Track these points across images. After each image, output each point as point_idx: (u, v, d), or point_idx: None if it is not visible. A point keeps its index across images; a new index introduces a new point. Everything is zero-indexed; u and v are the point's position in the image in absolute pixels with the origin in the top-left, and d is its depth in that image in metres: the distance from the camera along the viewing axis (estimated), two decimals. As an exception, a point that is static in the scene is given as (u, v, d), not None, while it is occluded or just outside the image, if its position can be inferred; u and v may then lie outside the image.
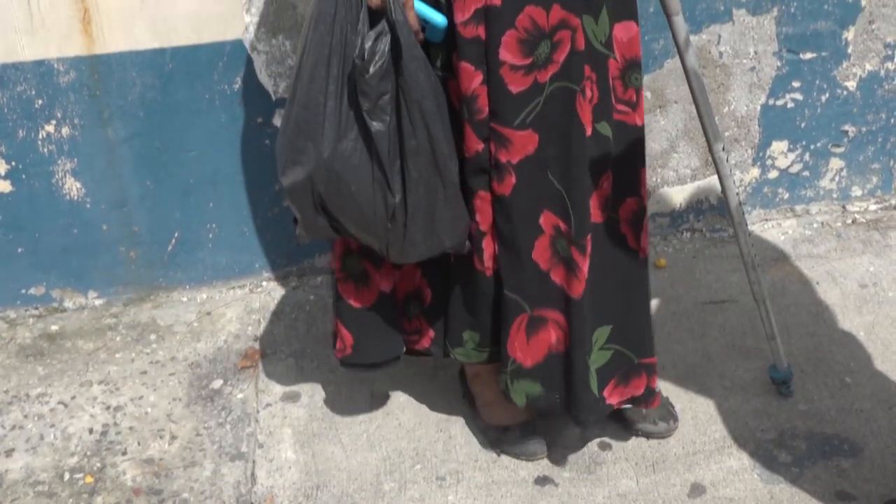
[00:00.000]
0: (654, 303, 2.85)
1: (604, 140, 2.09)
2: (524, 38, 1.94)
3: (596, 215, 2.13)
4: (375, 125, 1.94)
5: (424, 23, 1.95)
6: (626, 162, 2.13)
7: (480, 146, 2.03)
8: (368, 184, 1.99)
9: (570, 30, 1.97)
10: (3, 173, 2.77)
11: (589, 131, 2.04)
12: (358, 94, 1.93)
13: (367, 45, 1.89)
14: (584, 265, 2.11)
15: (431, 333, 2.31)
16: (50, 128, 2.74)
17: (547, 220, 2.09)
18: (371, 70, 1.89)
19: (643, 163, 2.17)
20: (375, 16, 1.92)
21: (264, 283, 3.02)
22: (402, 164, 1.99)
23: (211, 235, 2.94)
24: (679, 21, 2.13)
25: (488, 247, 2.11)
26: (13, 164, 2.77)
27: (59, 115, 2.73)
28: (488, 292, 2.17)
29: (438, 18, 1.94)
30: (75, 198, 2.82)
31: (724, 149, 2.25)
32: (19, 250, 2.87)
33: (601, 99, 2.06)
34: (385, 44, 1.90)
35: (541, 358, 2.19)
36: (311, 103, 1.96)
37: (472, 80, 1.97)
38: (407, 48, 1.90)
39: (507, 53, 1.95)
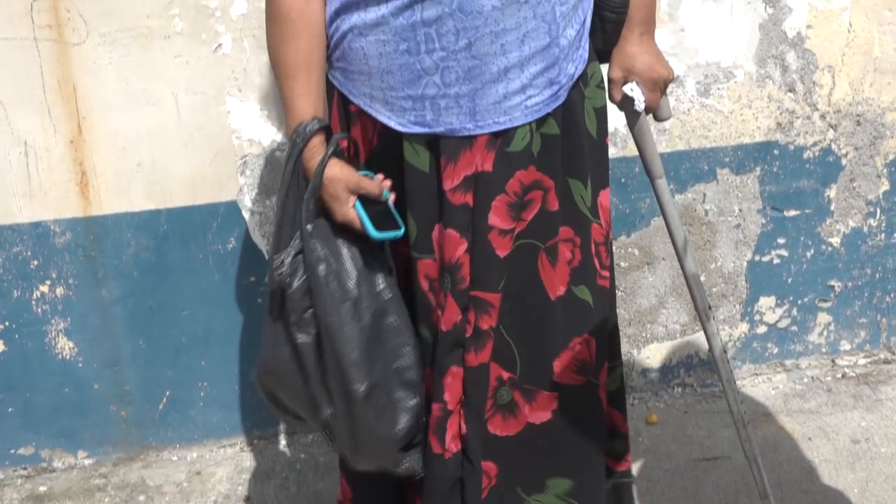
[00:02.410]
0: (645, 460, 2.83)
1: (581, 304, 2.07)
2: (513, 202, 1.97)
3: (569, 376, 2.10)
4: (301, 338, 1.95)
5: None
6: (605, 327, 2.14)
7: (459, 317, 2.01)
8: (304, 393, 1.99)
9: (542, 190, 1.99)
10: (-4, 333, 2.80)
11: (562, 291, 2.05)
12: (287, 306, 1.95)
13: (287, 259, 1.92)
14: (526, 409, 2.07)
15: None
16: (44, 288, 2.77)
17: (493, 371, 2.05)
18: (294, 285, 1.92)
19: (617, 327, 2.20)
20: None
21: (255, 442, 3.01)
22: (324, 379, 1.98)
23: (202, 394, 2.94)
24: (662, 184, 2.18)
25: (453, 426, 2.05)
26: (7, 323, 2.78)
27: (53, 275, 2.76)
28: (448, 476, 2.07)
29: (372, 232, 1.92)
30: (67, 357, 2.83)
31: (710, 307, 2.28)
32: (10, 410, 2.86)
33: (583, 263, 2.06)
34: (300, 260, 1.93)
35: None
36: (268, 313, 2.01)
37: (457, 248, 1.97)
38: (309, 266, 1.92)
39: (497, 218, 1.96)
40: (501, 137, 1.94)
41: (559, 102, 1.96)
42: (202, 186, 2.75)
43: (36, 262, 2.74)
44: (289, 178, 1.95)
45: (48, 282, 2.77)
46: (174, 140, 2.70)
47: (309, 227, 1.94)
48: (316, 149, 1.94)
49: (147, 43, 2.62)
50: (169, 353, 2.88)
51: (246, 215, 2.79)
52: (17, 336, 2.80)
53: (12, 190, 2.67)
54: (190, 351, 2.89)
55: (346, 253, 1.96)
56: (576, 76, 1.98)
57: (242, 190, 2.77)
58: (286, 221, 1.95)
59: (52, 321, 2.80)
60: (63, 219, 2.72)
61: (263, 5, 2.56)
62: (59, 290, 2.77)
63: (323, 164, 1.92)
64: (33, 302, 2.78)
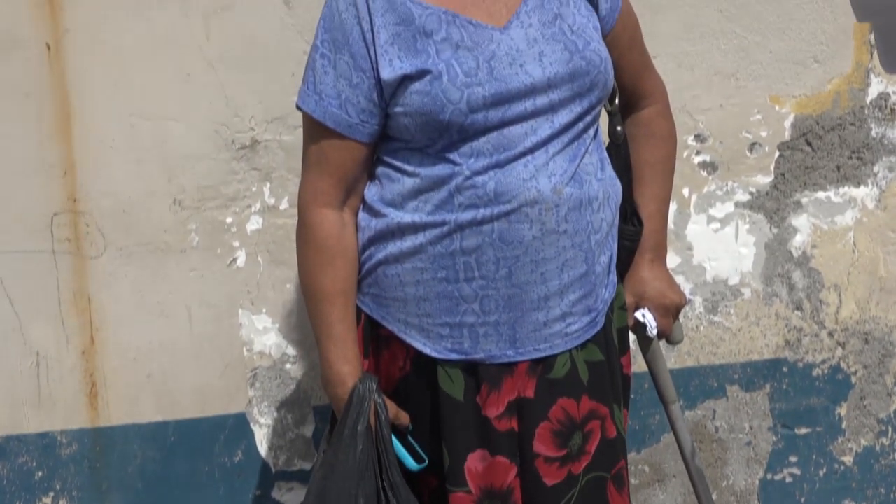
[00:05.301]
0: None
1: None
2: (558, 429, 1.96)
3: None
4: None
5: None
6: None
7: None
8: None
9: (599, 419, 1.99)
10: (-5, 545, 2.75)
11: None
12: None
13: None
14: None
15: None
16: (48, 500, 2.73)
17: None
18: None
19: None
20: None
21: None
22: None
23: None
24: (676, 410, 2.17)
25: None
26: (7, 536, 2.75)
27: (57, 486, 2.73)
28: None
29: (411, 462, 1.97)
30: (67, 573, 2.78)
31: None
32: None
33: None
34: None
35: None
36: None
37: (508, 473, 1.95)
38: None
39: (542, 446, 1.95)
40: (542, 364, 1.94)
41: (597, 328, 1.99)
42: (211, 398, 2.75)
43: (41, 473, 2.72)
44: (364, 434, 1.93)
45: (52, 493, 2.73)
46: (185, 352, 2.71)
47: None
48: None
49: (163, 257, 2.67)
50: (170, 570, 2.82)
51: (254, 428, 2.78)
52: (16, 549, 2.76)
53: (21, 400, 2.68)
54: (192, 567, 2.83)
55: None
56: (609, 301, 2.01)
57: (251, 402, 2.77)
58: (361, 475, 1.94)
59: (54, 534, 2.76)
60: (70, 430, 2.71)
61: (278, 221, 2.67)
62: (62, 503, 2.74)
63: (385, 408, 1.94)
64: (35, 514, 2.75)
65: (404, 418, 1.97)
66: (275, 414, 2.78)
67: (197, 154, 2.64)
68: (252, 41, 2.62)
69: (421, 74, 1.85)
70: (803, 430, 3.01)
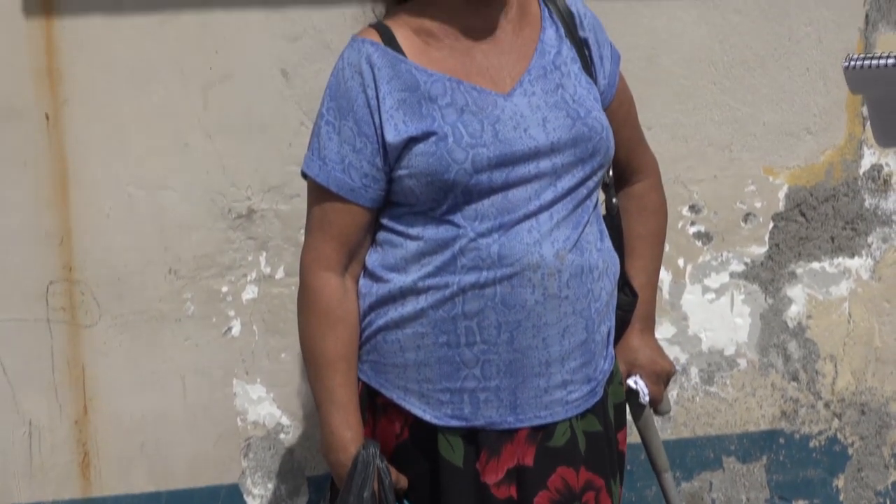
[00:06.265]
0: None
1: None
2: (556, 498, 1.94)
3: None
4: None
5: None
6: None
7: None
8: None
9: (594, 490, 1.98)
10: None
11: None
12: None
13: None
14: None
15: None
16: (37, 570, 2.71)
17: None
18: None
19: None
20: None
21: None
22: None
23: None
24: (668, 479, 2.16)
25: None
26: None
27: (48, 558, 2.71)
28: None
29: None
30: None
31: None
32: None
33: None
34: None
35: None
36: None
37: None
38: None
39: None
40: (542, 432, 1.94)
41: (597, 398, 1.98)
42: (204, 468, 2.73)
43: (31, 541, 2.70)
44: (370, 500, 1.91)
45: (42, 565, 2.71)
46: (179, 421, 2.70)
47: None
48: None
49: (158, 326, 2.66)
50: None
51: (248, 499, 2.76)
52: None
53: (13, 471, 2.65)
54: None
55: None
56: (608, 372, 2.01)
57: (245, 473, 2.75)
58: None
59: None
60: (62, 500, 2.68)
61: (273, 290, 2.67)
62: (52, 574, 2.72)
63: (389, 474, 1.93)
64: (22, 577, 2.71)
65: (404, 482, 1.97)
66: (268, 484, 2.76)
67: (193, 223, 2.65)
68: (249, 112, 2.64)
69: (426, 136, 1.88)
70: (801, 503, 2.99)
